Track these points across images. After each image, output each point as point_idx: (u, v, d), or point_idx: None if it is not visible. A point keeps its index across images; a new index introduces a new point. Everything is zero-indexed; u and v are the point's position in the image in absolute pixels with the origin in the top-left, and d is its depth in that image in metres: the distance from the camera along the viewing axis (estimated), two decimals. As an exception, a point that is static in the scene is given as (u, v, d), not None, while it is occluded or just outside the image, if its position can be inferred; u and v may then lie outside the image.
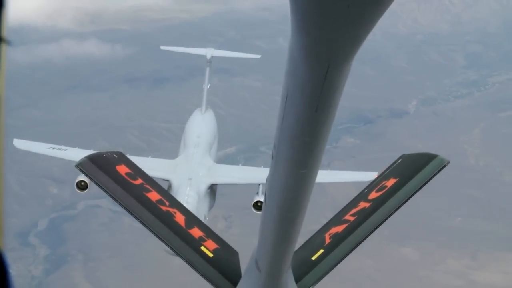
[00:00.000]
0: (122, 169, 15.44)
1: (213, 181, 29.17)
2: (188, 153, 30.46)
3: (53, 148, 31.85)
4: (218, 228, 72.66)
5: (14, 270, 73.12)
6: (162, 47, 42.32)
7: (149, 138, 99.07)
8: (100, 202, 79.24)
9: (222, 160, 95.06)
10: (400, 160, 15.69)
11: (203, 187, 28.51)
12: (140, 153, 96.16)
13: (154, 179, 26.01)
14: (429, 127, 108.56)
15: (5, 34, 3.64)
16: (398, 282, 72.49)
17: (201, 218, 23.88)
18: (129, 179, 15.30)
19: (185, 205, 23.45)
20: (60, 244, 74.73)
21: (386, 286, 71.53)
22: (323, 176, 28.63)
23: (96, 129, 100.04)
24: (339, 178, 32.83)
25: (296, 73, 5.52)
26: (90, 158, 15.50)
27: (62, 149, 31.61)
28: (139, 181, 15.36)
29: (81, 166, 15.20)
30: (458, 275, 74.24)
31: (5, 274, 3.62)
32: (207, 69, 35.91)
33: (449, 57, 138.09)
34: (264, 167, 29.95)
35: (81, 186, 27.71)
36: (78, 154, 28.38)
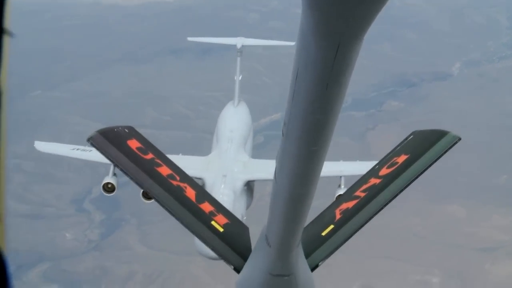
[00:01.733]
0: (133, 144, 15.20)
1: (250, 177, 27.52)
2: (221, 148, 28.86)
3: (77, 149, 29.23)
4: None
5: (72, 235, 75.68)
6: (189, 39, 40.41)
7: (196, 106, 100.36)
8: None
9: (268, 126, 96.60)
10: (412, 136, 15.52)
11: (239, 184, 26.93)
12: (189, 121, 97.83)
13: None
14: (474, 89, 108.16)
15: (8, 25, 3.59)
16: (444, 238, 73.15)
17: (239, 217, 21.89)
18: (140, 154, 15.03)
19: None
20: (114, 209, 76.69)
21: (433, 243, 72.28)
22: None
23: (143, 100, 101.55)
24: None
25: (306, 50, 5.49)
26: (101, 132, 15.29)
27: (87, 150, 28.89)
28: (150, 156, 15.05)
29: (92, 140, 15.12)
30: (505, 231, 74.73)
31: (5, 276, 3.61)
32: (238, 59, 33.44)
33: (492, 18, 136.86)
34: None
35: (108, 188, 26.72)
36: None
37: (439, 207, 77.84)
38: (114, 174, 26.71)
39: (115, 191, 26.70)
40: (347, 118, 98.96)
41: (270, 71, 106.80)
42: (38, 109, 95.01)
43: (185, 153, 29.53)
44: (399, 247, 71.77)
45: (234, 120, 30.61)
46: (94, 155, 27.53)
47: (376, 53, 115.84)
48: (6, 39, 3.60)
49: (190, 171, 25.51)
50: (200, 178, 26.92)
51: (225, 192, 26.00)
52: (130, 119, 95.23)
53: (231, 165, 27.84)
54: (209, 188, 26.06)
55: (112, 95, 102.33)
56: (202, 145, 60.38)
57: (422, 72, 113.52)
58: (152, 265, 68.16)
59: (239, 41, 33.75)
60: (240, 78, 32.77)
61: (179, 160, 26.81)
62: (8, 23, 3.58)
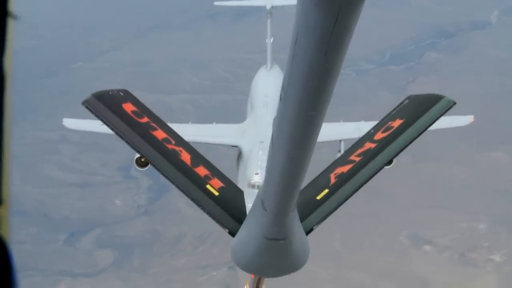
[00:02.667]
0: (128, 107, 15.26)
1: None
2: (256, 114, 27.33)
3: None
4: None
5: (121, 201, 77.10)
6: (216, 3, 37.17)
7: (235, 69, 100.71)
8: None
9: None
10: (407, 101, 15.76)
11: None
12: (229, 84, 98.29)
13: (223, 145, 25.49)
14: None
15: (12, 8, 3.53)
16: (490, 185, 73.10)
17: None
18: (135, 117, 15.12)
19: (258, 171, 22.44)
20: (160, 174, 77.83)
21: (479, 191, 72.31)
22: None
23: (182, 65, 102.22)
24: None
25: (306, 16, 5.46)
26: (96, 95, 15.51)
27: None
28: (145, 120, 15.18)
29: (87, 103, 15.29)
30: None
31: (10, 265, 3.60)
32: (268, 21, 31.64)
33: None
34: (343, 121, 27.65)
35: (141, 162, 24.93)
36: None
37: (484, 155, 77.66)
38: None
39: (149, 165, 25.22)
40: (386, 73, 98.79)
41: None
42: (80, 80, 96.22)
43: (226, 115, 28.88)
44: (445, 196, 71.97)
45: (268, 85, 29.12)
46: None
47: (412, 6, 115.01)
48: (10, 23, 3.54)
49: (226, 139, 25.86)
50: (236, 146, 25.95)
51: (264, 158, 23.29)
52: (171, 85, 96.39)
53: (268, 130, 25.80)
54: (246, 155, 24.85)
55: (152, 63, 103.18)
56: (242, 107, 60.84)
57: (460, 22, 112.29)
58: (201, 226, 69.20)
59: (268, 2, 31.80)
60: (271, 40, 31.31)
61: (213, 128, 26.95)
62: (12, 6, 3.50)
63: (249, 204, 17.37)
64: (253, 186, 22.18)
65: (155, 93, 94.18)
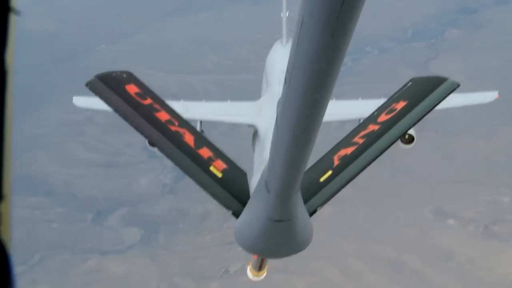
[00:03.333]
0: (132, 89, 15.20)
1: None
2: (272, 92, 25.18)
3: None
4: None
5: (146, 180, 77.90)
6: None
7: (257, 49, 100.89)
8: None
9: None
10: (410, 83, 15.72)
11: None
12: (251, 64, 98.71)
13: (238, 124, 23.74)
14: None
15: (14, 4, 3.52)
16: (513, 159, 73.28)
17: None
18: (138, 99, 15.05)
19: None
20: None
21: (502, 165, 72.29)
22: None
23: (204, 46, 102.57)
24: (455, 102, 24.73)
25: (312, 0, 5.43)
26: (99, 77, 15.52)
27: None
28: (148, 101, 15.12)
29: (91, 85, 15.38)
30: None
31: (8, 270, 3.51)
32: None
33: None
34: (362, 98, 26.32)
35: None
36: None
37: (507, 129, 77.62)
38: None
39: None
40: (407, 50, 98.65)
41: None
42: (104, 63, 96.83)
43: (249, 95, 27.71)
44: (469, 170, 72.07)
45: (284, 60, 26.87)
46: None
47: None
48: (13, 18, 3.49)
49: (241, 118, 24.13)
50: (252, 126, 24.14)
51: None
52: (193, 66, 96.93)
53: None
54: (262, 136, 22.69)
55: (174, 44, 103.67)
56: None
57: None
58: (226, 204, 69.76)
59: None
60: (287, 14, 29.26)
61: (228, 107, 25.35)
62: (14, 2, 3.47)
63: None
64: None
65: (178, 74, 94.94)
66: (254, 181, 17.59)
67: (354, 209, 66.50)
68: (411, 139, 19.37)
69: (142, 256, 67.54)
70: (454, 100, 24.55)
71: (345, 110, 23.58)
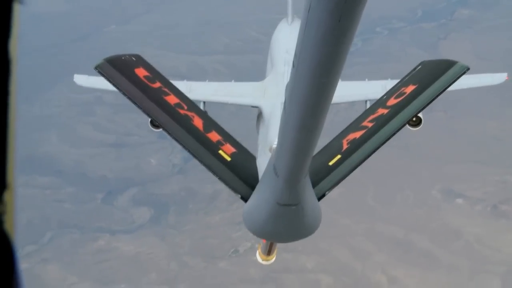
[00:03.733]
0: (141, 72, 15.17)
1: None
2: (277, 72, 24.38)
3: None
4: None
5: (156, 160, 78.34)
6: None
7: (267, 30, 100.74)
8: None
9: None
10: (420, 66, 15.64)
11: None
12: (261, 45, 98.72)
13: (243, 105, 22.93)
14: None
15: None
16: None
17: None
18: (147, 82, 15.01)
19: None
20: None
21: (511, 145, 72.51)
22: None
23: (214, 27, 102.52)
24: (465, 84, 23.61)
25: None
26: (109, 60, 15.48)
27: None
28: (157, 85, 15.06)
29: (100, 68, 15.32)
30: None
31: (13, 261, 3.49)
32: None
33: None
34: (368, 79, 25.49)
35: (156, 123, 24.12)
36: None
37: (517, 108, 77.70)
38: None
39: None
40: (417, 30, 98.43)
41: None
42: (114, 43, 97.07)
43: (258, 75, 26.97)
44: (477, 150, 72.25)
45: (290, 40, 25.06)
46: None
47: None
48: (16, 7, 3.48)
49: (245, 99, 23.29)
50: (256, 107, 23.27)
51: None
52: (203, 47, 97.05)
53: None
54: (267, 117, 21.95)
55: (184, 25, 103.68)
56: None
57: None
58: (235, 184, 70.03)
59: None
60: None
61: (232, 87, 24.40)
62: None
63: None
64: None
65: (187, 54, 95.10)
66: (258, 163, 17.44)
67: (363, 189, 66.77)
68: (418, 122, 19.11)
69: (151, 236, 68.08)
70: (463, 82, 23.16)
71: (351, 91, 23.07)
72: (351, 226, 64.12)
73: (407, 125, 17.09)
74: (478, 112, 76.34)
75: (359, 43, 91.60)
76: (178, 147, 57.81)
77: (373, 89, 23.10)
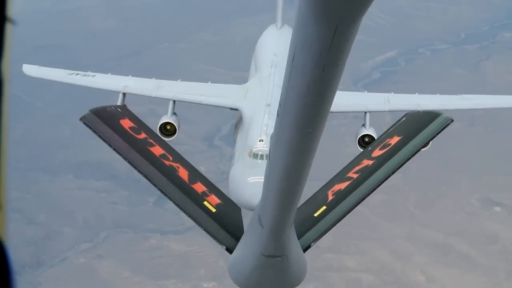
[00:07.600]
0: (126, 123, 15.45)
1: None
2: (262, 75, 23.43)
3: (76, 75, 24.40)
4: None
5: (206, 168, 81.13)
6: None
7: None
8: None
9: (383, 63, 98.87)
10: (404, 118, 15.89)
11: None
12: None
13: (219, 107, 22.91)
14: None
15: (10, 13, 3.40)
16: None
17: None
18: (132, 133, 15.31)
19: (263, 137, 19.09)
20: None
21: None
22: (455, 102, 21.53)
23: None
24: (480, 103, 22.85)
25: (304, 33, 5.36)
26: (94, 111, 15.68)
27: (89, 75, 24.48)
28: (142, 136, 15.41)
29: (85, 119, 15.40)
30: None
31: (6, 264, 3.49)
32: None
33: None
34: (368, 91, 24.65)
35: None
36: (109, 81, 24.13)
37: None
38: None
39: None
40: (460, 52, 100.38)
41: (383, 12, 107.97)
42: (167, 59, 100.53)
43: None
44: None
45: (278, 43, 25.35)
46: (97, 80, 24.25)
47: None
48: (8, 28, 3.35)
49: (224, 100, 22.43)
50: (235, 109, 22.75)
51: (269, 123, 20.10)
52: (249, 63, 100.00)
53: (275, 92, 21.45)
54: (248, 120, 21.23)
55: (234, 43, 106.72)
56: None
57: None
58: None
59: None
60: None
61: (209, 88, 23.22)
62: (10, 11, 3.35)
63: (251, 177, 17.98)
64: (255, 156, 19.38)
65: (237, 71, 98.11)
66: (233, 170, 18.70)
67: (404, 197, 68.94)
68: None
69: (200, 236, 70.27)
70: (505, 101, 23.32)
71: (349, 102, 22.23)
72: (392, 229, 66.21)
73: None
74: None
75: (403, 62, 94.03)
76: (227, 155, 61.76)
77: (375, 100, 22.25)
